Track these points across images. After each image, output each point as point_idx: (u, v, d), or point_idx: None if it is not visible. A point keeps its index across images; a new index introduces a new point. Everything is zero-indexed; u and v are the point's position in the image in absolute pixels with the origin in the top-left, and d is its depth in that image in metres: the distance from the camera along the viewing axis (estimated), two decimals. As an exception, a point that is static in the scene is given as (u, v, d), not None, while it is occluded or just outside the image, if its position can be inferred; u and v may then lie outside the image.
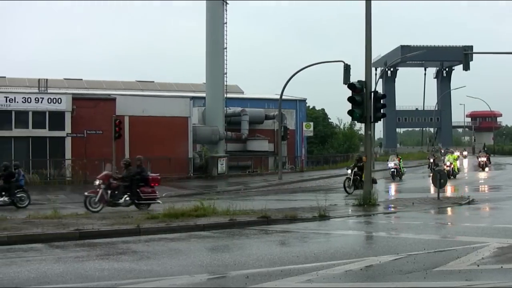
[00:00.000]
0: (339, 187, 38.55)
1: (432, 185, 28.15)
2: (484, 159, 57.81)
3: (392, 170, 44.95)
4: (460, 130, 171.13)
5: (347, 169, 33.07)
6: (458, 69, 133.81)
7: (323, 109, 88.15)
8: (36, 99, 39.85)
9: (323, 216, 19.21)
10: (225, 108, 52.04)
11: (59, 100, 40.30)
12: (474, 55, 61.44)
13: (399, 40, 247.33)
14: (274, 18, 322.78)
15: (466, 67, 45.27)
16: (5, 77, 64.78)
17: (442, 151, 78.35)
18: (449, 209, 22.88)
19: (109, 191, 22.95)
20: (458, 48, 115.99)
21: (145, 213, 19.01)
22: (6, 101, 39.11)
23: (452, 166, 44.04)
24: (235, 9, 66.19)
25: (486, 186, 38.22)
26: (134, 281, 9.74)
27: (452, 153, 49.08)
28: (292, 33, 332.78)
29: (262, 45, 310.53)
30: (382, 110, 24.39)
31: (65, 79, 66.62)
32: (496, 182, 41.40)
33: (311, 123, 59.88)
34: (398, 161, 45.21)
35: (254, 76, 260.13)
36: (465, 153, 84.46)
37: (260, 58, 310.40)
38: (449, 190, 31.54)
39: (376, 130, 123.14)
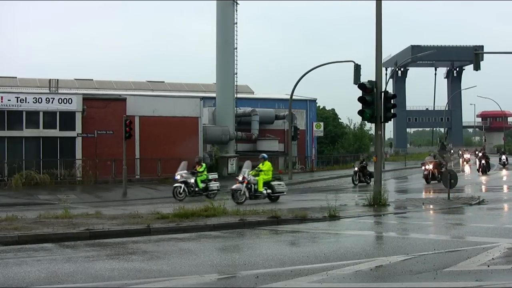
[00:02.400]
0: (350, 187, 38.73)
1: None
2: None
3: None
4: (470, 130, 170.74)
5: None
6: (468, 69, 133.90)
7: (333, 109, 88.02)
8: (47, 99, 39.93)
9: (333, 216, 19.21)
10: (235, 108, 52.05)
11: (70, 100, 40.37)
12: (484, 54, 61.23)
13: (409, 41, 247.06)
14: (281, 18, 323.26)
15: (477, 67, 45.10)
16: (16, 77, 64.96)
17: (452, 151, 78.49)
18: (459, 209, 22.80)
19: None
20: (468, 48, 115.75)
21: (155, 213, 19.02)
22: (17, 102, 39.20)
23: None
24: (242, 10, 66.59)
25: (495, 186, 38.03)
26: (144, 281, 9.77)
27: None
28: (300, 34, 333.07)
29: (271, 45, 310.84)
30: (392, 110, 24.32)
31: (75, 79, 66.75)
32: (506, 182, 41.22)
33: (321, 123, 59.79)
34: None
35: (263, 76, 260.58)
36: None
37: (269, 58, 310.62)
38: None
39: (387, 130, 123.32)
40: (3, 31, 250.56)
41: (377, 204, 22.76)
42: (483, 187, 36.69)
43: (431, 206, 23.34)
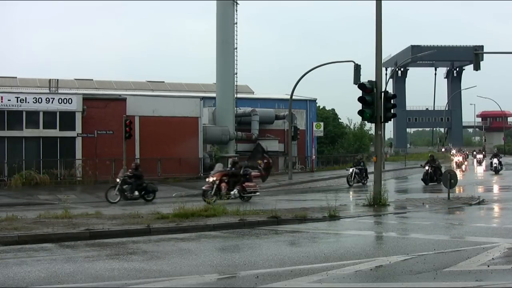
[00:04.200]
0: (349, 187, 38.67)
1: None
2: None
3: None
4: (470, 130, 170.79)
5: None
6: (468, 69, 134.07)
7: (333, 109, 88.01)
8: (47, 99, 39.94)
9: (333, 216, 19.21)
10: (235, 108, 52.05)
11: (70, 100, 40.38)
12: (484, 54, 61.17)
13: (409, 41, 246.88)
14: (280, 19, 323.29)
15: (477, 67, 45.08)
16: (16, 77, 64.93)
17: (454, 151, 78.14)
18: (459, 209, 22.81)
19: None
20: (468, 48, 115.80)
21: (155, 213, 19.02)
22: (17, 102, 39.21)
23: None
24: (242, 10, 66.64)
25: (496, 186, 38.05)
26: (144, 281, 9.77)
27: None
28: (299, 34, 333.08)
29: (270, 45, 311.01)
30: (392, 110, 24.33)
31: (75, 79, 66.73)
32: (506, 182, 41.23)
33: (321, 123, 59.74)
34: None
35: (263, 76, 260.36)
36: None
37: (269, 59, 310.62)
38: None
39: (387, 130, 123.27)
40: (3, 31, 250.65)
41: (377, 204, 22.76)
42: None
43: (431, 206, 23.33)
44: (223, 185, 26.91)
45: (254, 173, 29.01)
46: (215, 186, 26.78)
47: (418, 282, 9.54)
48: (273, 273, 10.28)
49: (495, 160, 52.35)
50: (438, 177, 36.91)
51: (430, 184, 37.93)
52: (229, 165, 28.93)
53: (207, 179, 27.97)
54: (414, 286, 9.37)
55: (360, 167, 40.05)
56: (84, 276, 10.24)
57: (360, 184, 39.61)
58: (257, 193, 28.20)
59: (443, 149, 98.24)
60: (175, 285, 9.53)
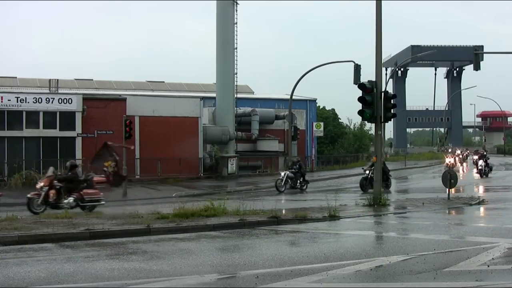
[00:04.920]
0: (350, 187, 38.64)
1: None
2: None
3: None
4: (470, 130, 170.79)
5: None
6: (468, 69, 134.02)
7: (333, 109, 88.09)
8: (47, 99, 39.96)
9: (333, 216, 19.21)
10: (235, 108, 52.07)
11: (70, 100, 40.41)
12: (484, 55, 61.14)
13: (408, 41, 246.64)
14: (279, 19, 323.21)
15: (477, 67, 45.08)
16: (16, 77, 64.99)
17: (450, 150, 77.12)
18: (459, 209, 22.82)
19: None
20: (468, 48, 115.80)
21: (155, 213, 18.99)
22: (17, 102, 39.24)
23: None
24: (241, 10, 66.51)
25: (496, 187, 38.00)
26: (144, 281, 9.77)
27: None
28: (299, 34, 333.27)
29: (270, 45, 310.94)
30: (392, 110, 24.33)
31: (75, 79, 66.78)
32: (506, 182, 41.21)
33: (322, 123, 59.85)
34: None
35: (263, 76, 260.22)
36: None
37: (269, 59, 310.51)
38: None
39: (387, 130, 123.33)
40: (3, 31, 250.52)
41: (377, 204, 22.76)
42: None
43: (431, 206, 23.32)
44: (52, 192, 22.55)
45: (97, 178, 24.71)
46: (43, 193, 22.63)
47: (418, 282, 9.54)
48: (273, 273, 10.27)
49: (481, 162, 46.09)
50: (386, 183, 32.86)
51: (370, 191, 29.81)
52: (65, 169, 24.99)
53: (37, 185, 23.60)
54: (414, 286, 9.37)
55: (294, 170, 35.38)
56: (84, 276, 10.24)
57: (298, 190, 35.12)
58: (102, 202, 23.41)
59: (449, 149, 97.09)
60: (175, 285, 9.53)
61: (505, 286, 9.39)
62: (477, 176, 46.38)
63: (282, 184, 34.12)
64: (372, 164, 30.04)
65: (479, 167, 46.10)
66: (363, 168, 35.53)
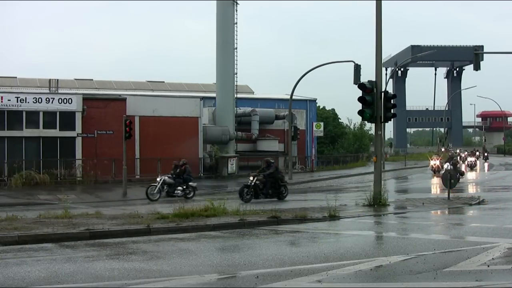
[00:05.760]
0: (350, 187, 38.66)
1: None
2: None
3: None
4: (470, 130, 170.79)
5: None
6: (468, 69, 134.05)
7: (333, 109, 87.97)
8: (47, 99, 39.96)
9: (333, 216, 19.22)
10: (235, 108, 52.07)
11: (70, 100, 40.41)
12: (484, 55, 61.12)
13: (408, 41, 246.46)
14: (279, 20, 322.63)
15: (477, 67, 45.08)
16: (16, 77, 64.97)
17: (451, 151, 76.54)
18: (459, 209, 22.82)
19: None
20: (468, 48, 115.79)
21: (155, 213, 19.02)
22: (17, 101, 39.24)
23: None
24: (241, 10, 66.40)
25: (496, 186, 38.01)
26: (144, 281, 9.77)
27: None
28: (299, 35, 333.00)
29: (270, 45, 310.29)
30: (392, 110, 24.32)
31: (75, 79, 66.76)
32: (506, 182, 41.22)
33: (322, 123, 59.86)
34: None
35: (263, 76, 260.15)
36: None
37: (269, 59, 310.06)
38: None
39: (387, 130, 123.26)
40: (3, 31, 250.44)
41: (377, 204, 22.78)
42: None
43: (431, 206, 23.33)
44: None
45: None
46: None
47: (418, 282, 9.54)
48: (273, 273, 10.28)
49: (446, 165, 40.72)
50: (273, 191, 27.91)
51: (254, 201, 26.35)
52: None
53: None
54: (414, 286, 9.37)
55: (170, 175, 29.78)
56: (84, 276, 10.24)
57: (181, 197, 29.13)
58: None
59: (448, 149, 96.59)
60: (175, 285, 9.53)
61: (505, 286, 9.39)
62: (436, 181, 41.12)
63: (155, 192, 28.84)
64: (263, 169, 28.38)
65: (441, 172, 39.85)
66: (249, 174, 30.06)
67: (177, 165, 30.55)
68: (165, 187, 29.34)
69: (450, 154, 43.24)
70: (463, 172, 40.90)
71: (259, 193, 27.11)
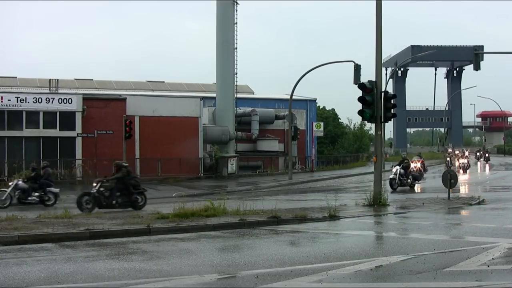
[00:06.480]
0: (350, 187, 38.63)
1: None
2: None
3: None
4: (470, 130, 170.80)
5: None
6: (468, 69, 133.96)
7: (333, 109, 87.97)
8: (47, 99, 39.98)
9: (333, 216, 19.21)
10: (235, 108, 52.08)
11: (70, 100, 40.42)
12: (484, 55, 61.08)
13: (409, 41, 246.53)
14: (278, 20, 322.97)
15: (477, 67, 45.06)
16: (16, 77, 65.00)
17: (450, 150, 75.71)
18: (459, 209, 22.82)
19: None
20: (468, 48, 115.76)
21: (155, 213, 19.02)
22: (17, 101, 39.26)
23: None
24: (241, 10, 66.53)
25: (496, 187, 37.99)
26: (144, 281, 9.77)
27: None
28: (298, 35, 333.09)
29: (269, 45, 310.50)
30: (392, 110, 24.32)
31: (75, 79, 66.77)
32: (506, 182, 41.21)
33: (322, 123, 59.87)
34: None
35: (263, 76, 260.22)
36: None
37: (269, 59, 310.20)
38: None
39: (387, 130, 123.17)
40: (3, 31, 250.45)
41: (377, 204, 22.76)
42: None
43: (431, 206, 23.32)
44: None
45: None
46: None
47: (418, 282, 9.53)
48: (273, 273, 10.27)
49: (395, 169, 34.59)
50: (124, 199, 24.43)
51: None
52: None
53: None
54: (414, 286, 9.37)
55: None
56: (84, 276, 10.24)
57: (36, 204, 26.45)
58: None
59: (449, 149, 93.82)
60: (175, 285, 9.53)
61: (505, 286, 9.39)
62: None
63: (3, 198, 26.11)
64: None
65: (392, 177, 34.50)
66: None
67: (34, 168, 27.77)
68: (16, 193, 26.39)
69: (403, 156, 38.78)
70: (418, 176, 37.04)
71: (103, 201, 23.35)
